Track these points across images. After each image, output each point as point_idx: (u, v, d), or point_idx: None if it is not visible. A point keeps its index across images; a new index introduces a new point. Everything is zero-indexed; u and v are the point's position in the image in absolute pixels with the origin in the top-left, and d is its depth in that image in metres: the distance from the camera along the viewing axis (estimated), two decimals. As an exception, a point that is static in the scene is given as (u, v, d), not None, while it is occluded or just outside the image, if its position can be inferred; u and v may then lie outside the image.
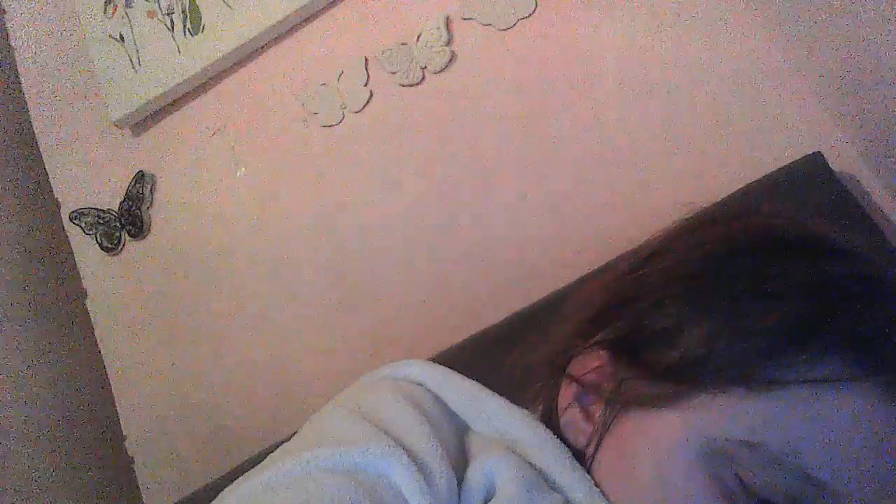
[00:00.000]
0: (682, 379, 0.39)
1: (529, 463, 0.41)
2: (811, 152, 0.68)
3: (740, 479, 0.36)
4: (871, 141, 0.68)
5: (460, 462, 0.42)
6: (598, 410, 0.43)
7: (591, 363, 0.44)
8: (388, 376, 0.49)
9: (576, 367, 0.45)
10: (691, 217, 0.48)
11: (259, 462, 0.43)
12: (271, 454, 0.43)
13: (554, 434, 0.43)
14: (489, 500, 0.39)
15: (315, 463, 0.38)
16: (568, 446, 0.43)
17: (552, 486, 0.40)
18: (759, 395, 0.36)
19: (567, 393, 0.45)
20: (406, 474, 0.37)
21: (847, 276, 0.39)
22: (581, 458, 0.43)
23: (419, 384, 0.47)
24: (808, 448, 0.35)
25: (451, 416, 0.46)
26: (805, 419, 0.36)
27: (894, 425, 0.36)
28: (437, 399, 0.46)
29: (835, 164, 0.67)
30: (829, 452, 0.35)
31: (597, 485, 0.40)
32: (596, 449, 0.42)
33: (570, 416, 0.44)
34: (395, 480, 0.38)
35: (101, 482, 0.90)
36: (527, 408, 0.46)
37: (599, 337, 0.45)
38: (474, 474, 0.40)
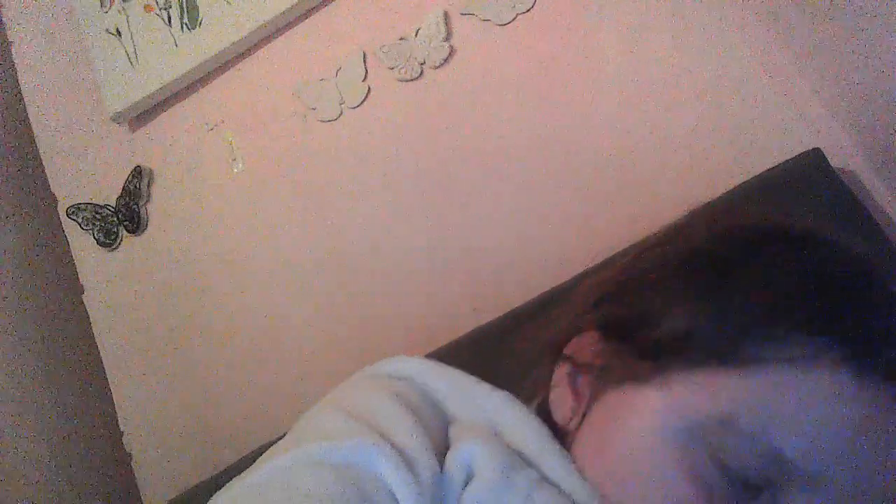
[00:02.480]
0: (661, 357, 0.40)
1: (509, 444, 0.42)
2: (811, 149, 0.68)
3: (715, 461, 0.36)
4: (870, 138, 0.68)
5: (445, 452, 0.42)
6: (586, 390, 0.44)
7: (583, 342, 0.46)
8: (376, 374, 0.50)
9: (570, 347, 0.47)
10: (687, 215, 0.50)
11: (256, 459, 0.43)
12: (262, 455, 0.43)
13: (542, 414, 0.44)
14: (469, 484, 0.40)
15: (302, 459, 0.39)
16: (555, 424, 0.44)
17: (530, 465, 0.41)
18: (735, 372, 0.37)
19: (561, 373, 0.46)
20: (392, 467, 0.38)
21: (828, 261, 0.40)
22: (566, 435, 0.44)
23: (406, 379, 0.48)
24: (781, 427, 0.35)
25: (438, 407, 0.47)
26: (779, 398, 0.36)
27: (869, 408, 0.36)
28: (424, 392, 0.47)
29: (834, 161, 0.67)
30: (802, 432, 0.35)
31: (574, 461, 0.41)
32: (579, 424, 0.43)
33: (559, 394, 0.46)
34: (381, 474, 0.38)
35: (99, 477, 0.90)
36: (528, 399, 0.47)
37: (591, 317, 0.46)
38: (452, 460, 0.41)
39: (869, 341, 0.37)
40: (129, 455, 0.91)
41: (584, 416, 0.43)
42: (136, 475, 0.90)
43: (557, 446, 0.42)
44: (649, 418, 0.39)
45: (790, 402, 0.36)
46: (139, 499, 0.90)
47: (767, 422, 0.36)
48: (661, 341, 0.40)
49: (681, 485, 0.36)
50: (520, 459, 0.41)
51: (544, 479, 0.40)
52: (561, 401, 0.45)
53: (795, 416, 0.36)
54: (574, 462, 0.41)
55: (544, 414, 0.45)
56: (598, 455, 0.41)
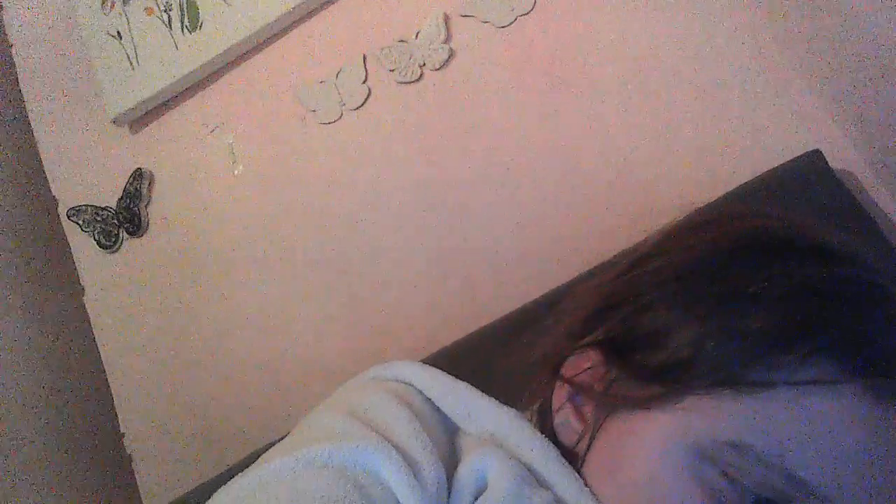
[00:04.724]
0: (669, 381, 0.39)
1: (519, 460, 0.41)
2: (810, 150, 0.68)
3: (728, 479, 0.36)
4: (870, 139, 0.68)
5: (451, 460, 0.42)
6: (590, 410, 0.44)
7: (583, 364, 0.45)
8: (378, 377, 0.49)
9: (568, 368, 0.46)
10: (684, 219, 0.48)
11: (255, 461, 0.43)
12: (263, 454, 0.43)
13: (548, 433, 0.44)
14: (480, 496, 0.39)
15: (305, 460, 0.39)
16: (562, 445, 0.44)
17: (542, 484, 0.40)
18: (745, 396, 0.37)
19: (560, 393, 0.46)
20: (395, 469, 0.38)
21: (836, 279, 0.39)
22: (574, 457, 0.43)
23: (408, 384, 0.47)
24: (794, 450, 0.35)
25: (441, 415, 0.46)
26: (791, 421, 0.36)
27: (882, 428, 0.36)
28: (427, 399, 0.46)
29: (834, 162, 0.67)
30: (815, 454, 0.35)
31: (586, 483, 0.40)
32: (587, 448, 0.42)
33: (563, 416, 0.45)
34: (384, 476, 0.38)
35: (100, 480, 0.90)
36: (523, 408, 0.47)
37: (591, 338, 0.45)
38: (465, 470, 0.40)
39: (884, 362, 0.36)
40: (130, 457, 0.91)
41: (591, 439, 0.42)
42: (136, 477, 0.91)
43: (568, 467, 0.41)
44: (661, 444, 0.38)
45: (804, 425, 0.35)
46: (139, 501, 0.90)
47: (781, 445, 0.35)
48: (667, 365, 0.39)
49: None
50: (533, 478, 0.40)
51: (558, 500, 0.39)
52: (566, 425, 0.44)
53: (809, 440, 0.35)
54: (586, 484, 0.40)
55: (545, 432, 0.44)
56: (610, 480, 0.40)
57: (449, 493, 0.40)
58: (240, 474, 0.41)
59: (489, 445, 0.42)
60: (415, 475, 0.38)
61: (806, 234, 0.42)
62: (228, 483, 0.41)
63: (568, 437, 0.44)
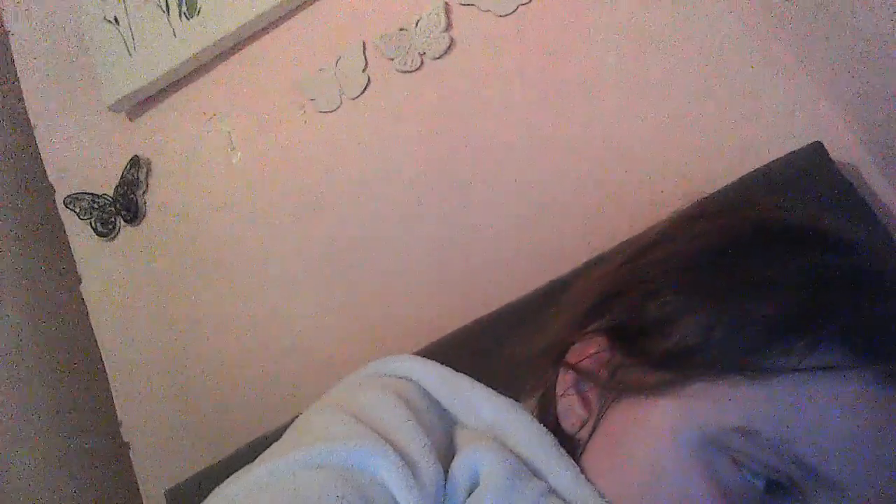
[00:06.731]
0: (677, 367, 0.39)
1: (514, 452, 0.41)
2: (812, 142, 0.68)
3: (737, 465, 0.36)
4: (872, 131, 0.68)
5: (448, 455, 0.42)
6: (594, 397, 0.44)
7: (589, 350, 0.45)
8: (376, 372, 0.49)
9: (573, 355, 0.46)
10: (689, 208, 0.49)
11: (252, 450, 0.43)
12: (261, 455, 0.43)
13: (551, 422, 0.44)
14: (474, 491, 0.39)
15: (303, 460, 0.39)
16: (564, 433, 0.44)
17: (537, 474, 0.40)
18: (753, 382, 0.37)
19: (565, 380, 0.45)
20: (393, 469, 0.38)
21: (844, 267, 0.39)
22: (575, 444, 0.43)
23: (407, 379, 0.47)
24: (802, 435, 0.35)
25: (440, 409, 0.46)
26: (799, 407, 0.36)
27: (890, 413, 0.36)
28: (425, 393, 0.46)
29: (835, 154, 0.67)
30: (823, 440, 0.35)
31: (584, 471, 0.40)
32: (590, 435, 0.42)
33: (567, 403, 0.45)
34: (382, 476, 0.38)
35: (97, 467, 0.90)
36: (527, 398, 0.47)
37: (596, 325, 0.45)
38: (458, 466, 0.40)
39: (892, 348, 0.37)
40: (127, 445, 0.91)
41: (595, 425, 0.42)
42: (133, 465, 0.90)
43: (565, 456, 0.41)
44: (668, 430, 0.38)
45: (812, 411, 0.36)
46: (137, 488, 0.90)
47: (789, 431, 0.35)
48: (675, 351, 0.39)
49: (706, 495, 0.36)
50: (527, 469, 0.40)
51: (552, 490, 0.39)
52: (570, 410, 0.44)
53: (817, 426, 0.35)
54: (584, 473, 0.40)
55: (548, 420, 0.44)
56: (614, 467, 0.40)
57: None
58: (236, 474, 0.41)
59: (482, 440, 0.42)
60: (413, 475, 0.38)
61: (813, 224, 0.42)
62: (224, 483, 0.41)
63: (571, 424, 0.44)
